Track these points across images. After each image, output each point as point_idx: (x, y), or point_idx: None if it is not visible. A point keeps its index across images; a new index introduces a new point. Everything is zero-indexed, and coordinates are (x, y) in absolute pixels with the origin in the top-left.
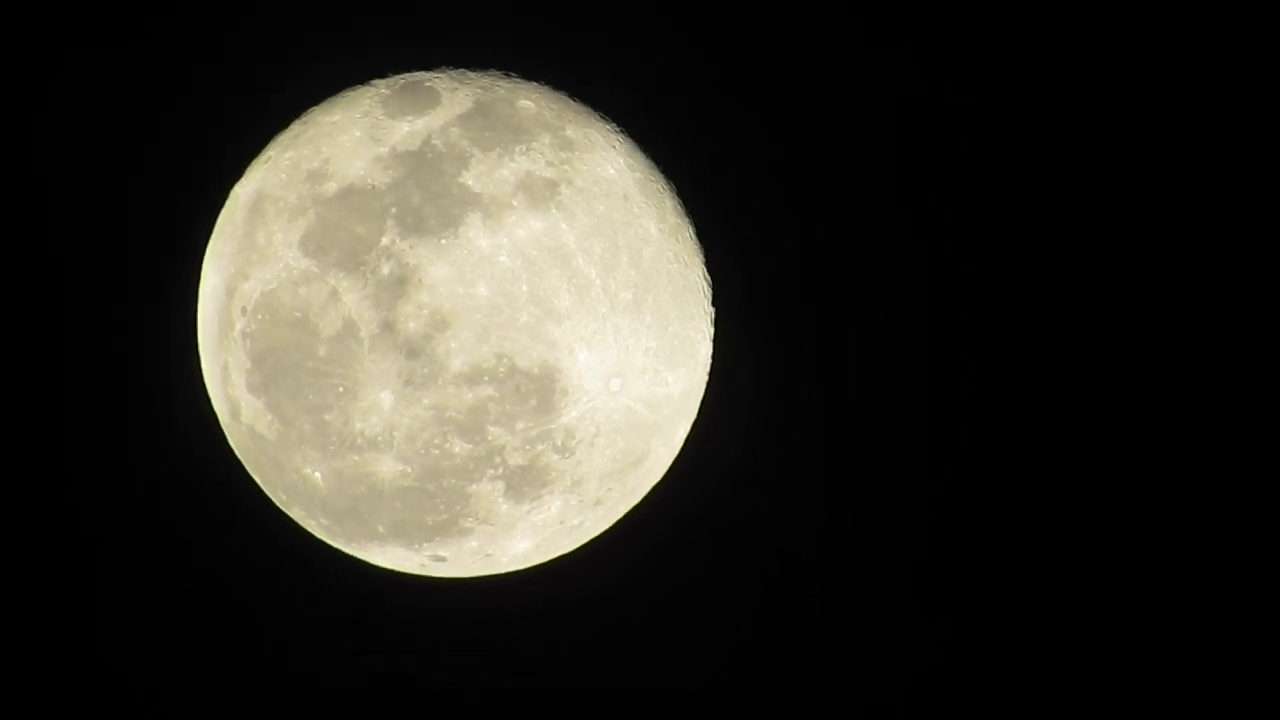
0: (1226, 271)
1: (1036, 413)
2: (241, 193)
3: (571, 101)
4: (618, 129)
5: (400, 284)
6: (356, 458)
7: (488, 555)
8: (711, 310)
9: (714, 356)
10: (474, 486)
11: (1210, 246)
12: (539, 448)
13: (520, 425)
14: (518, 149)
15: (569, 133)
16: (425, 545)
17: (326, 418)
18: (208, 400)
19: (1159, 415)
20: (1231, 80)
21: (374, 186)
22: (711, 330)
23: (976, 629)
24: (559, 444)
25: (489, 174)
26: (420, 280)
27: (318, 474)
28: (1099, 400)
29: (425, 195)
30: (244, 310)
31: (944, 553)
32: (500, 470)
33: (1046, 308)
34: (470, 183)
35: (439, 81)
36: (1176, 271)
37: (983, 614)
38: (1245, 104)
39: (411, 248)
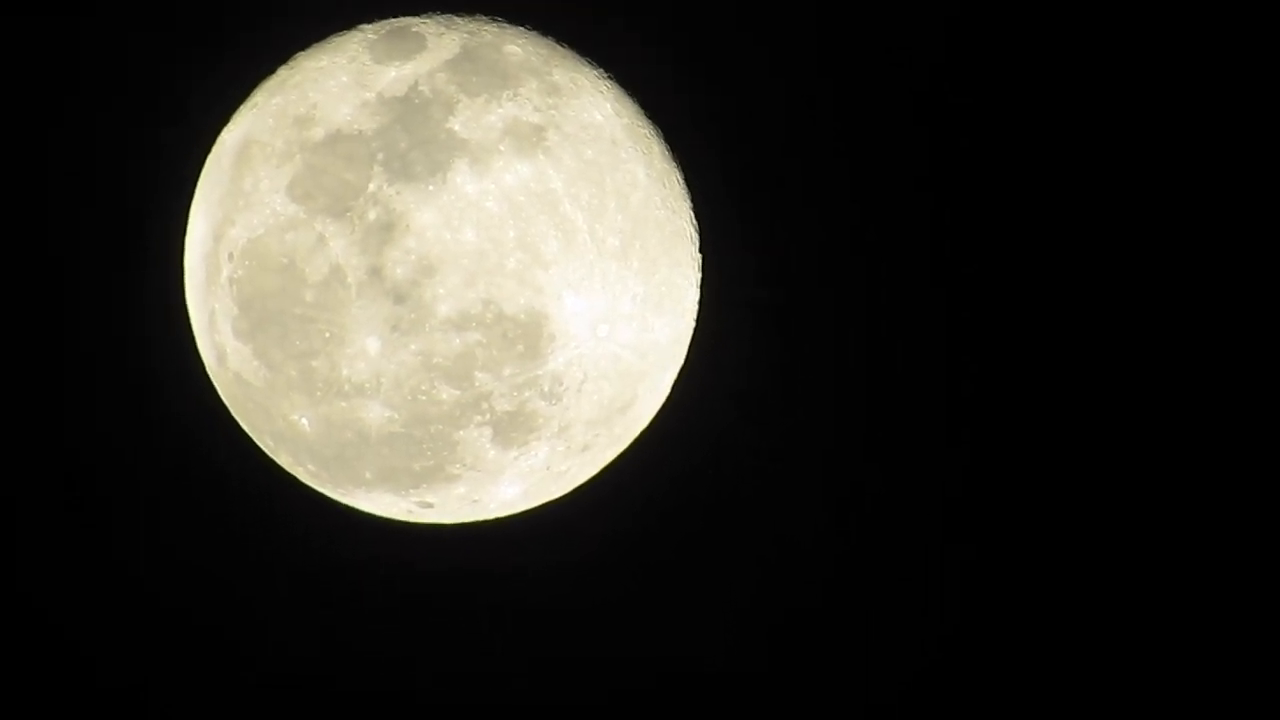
0: (1228, 269)
1: (1037, 411)
2: (228, 138)
3: (558, 46)
4: (605, 74)
5: (387, 230)
6: (344, 404)
7: (475, 501)
8: (699, 257)
9: (702, 305)
10: (461, 433)
11: (1212, 244)
12: (526, 394)
13: (507, 371)
14: (505, 94)
15: (556, 78)
16: (412, 491)
17: (313, 364)
18: (194, 346)
19: (1161, 415)
20: (1231, 79)
21: (361, 132)
22: (698, 277)
23: (976, 629)
24: (546, 390)
25: (476, 119)
26: (407, 226)
27: (305, 420)
28: (1100, 399)
29: (412, 141)
30: (231, 256)
31: (944, 550)
32: (487, 416)
33: (1047, 307)
34: (457, 128)
35: (425, 26)
36: (1177, 270)
37: (982, 613)
38: (1245, 103)
39: (398, 193)
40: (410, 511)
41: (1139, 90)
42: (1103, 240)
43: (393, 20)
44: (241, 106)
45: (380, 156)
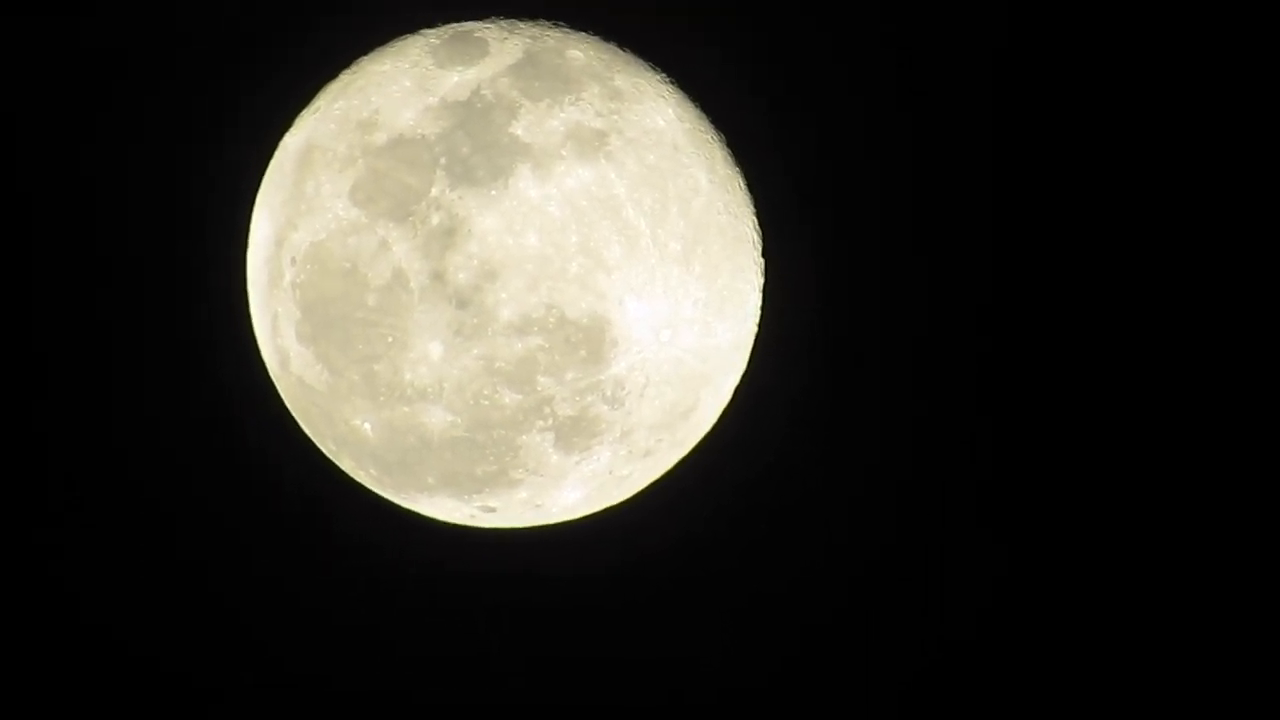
0: (1234, 270)
1: (1041, 414)
2: (291, 143)
3: (621, 51)
4: (667, 79)
5: (449, 234)
6: (406, 408)
7: (538, 506)
8: (761, 262)
9: (764, 310)
10: (523, 437)
11: (1219, 244)
12: (588, 398)
13: (569, 376)
14: (567, 99)
15: (618, 83)
16: (475, 496)
17: (376, 368)
18: (257, 351)
19: (1178, 425)
20: (1234, 80)
21: (423, 137)
22: (761, 282)
23: (979, 626)
24: (608, 395)
25: (538, 124)
26: (469, 230)
27: (367, 425)
28: (1105, 403)
29: (474, 146)
30: (293, 260)
31: (948, 550)
32: (550, 421)
33: (1052, 307)
34: (519, 133)
35: (488, 31)
36: (1198, 272)
37: (985, 612)
38: (1247, 103)
39: (461, 198)
40: (472, 516)
41: (1142, 89)
42: (1106, 240)
43: (455, 25)
44: (304, 111)
45: (443, 161)
